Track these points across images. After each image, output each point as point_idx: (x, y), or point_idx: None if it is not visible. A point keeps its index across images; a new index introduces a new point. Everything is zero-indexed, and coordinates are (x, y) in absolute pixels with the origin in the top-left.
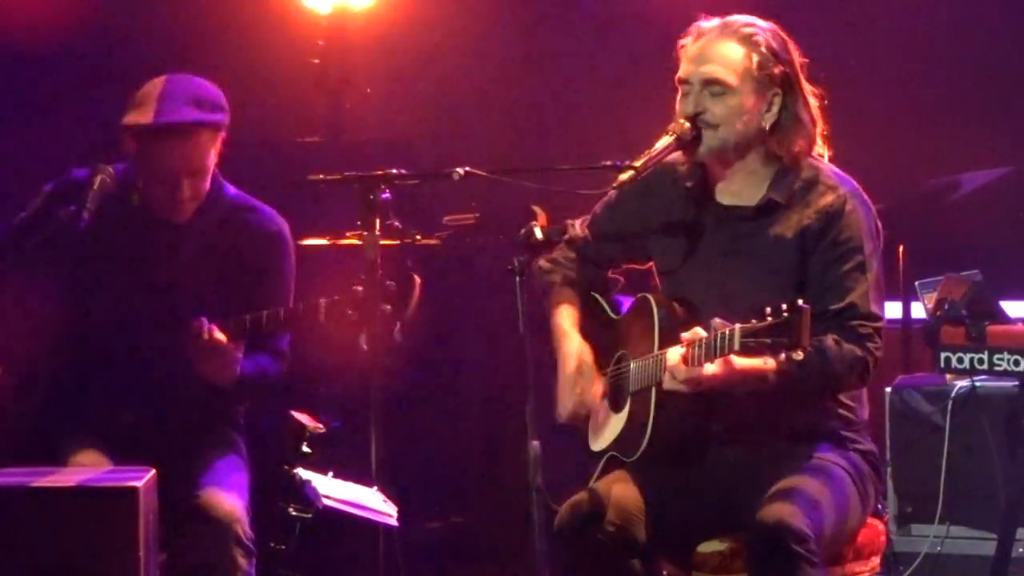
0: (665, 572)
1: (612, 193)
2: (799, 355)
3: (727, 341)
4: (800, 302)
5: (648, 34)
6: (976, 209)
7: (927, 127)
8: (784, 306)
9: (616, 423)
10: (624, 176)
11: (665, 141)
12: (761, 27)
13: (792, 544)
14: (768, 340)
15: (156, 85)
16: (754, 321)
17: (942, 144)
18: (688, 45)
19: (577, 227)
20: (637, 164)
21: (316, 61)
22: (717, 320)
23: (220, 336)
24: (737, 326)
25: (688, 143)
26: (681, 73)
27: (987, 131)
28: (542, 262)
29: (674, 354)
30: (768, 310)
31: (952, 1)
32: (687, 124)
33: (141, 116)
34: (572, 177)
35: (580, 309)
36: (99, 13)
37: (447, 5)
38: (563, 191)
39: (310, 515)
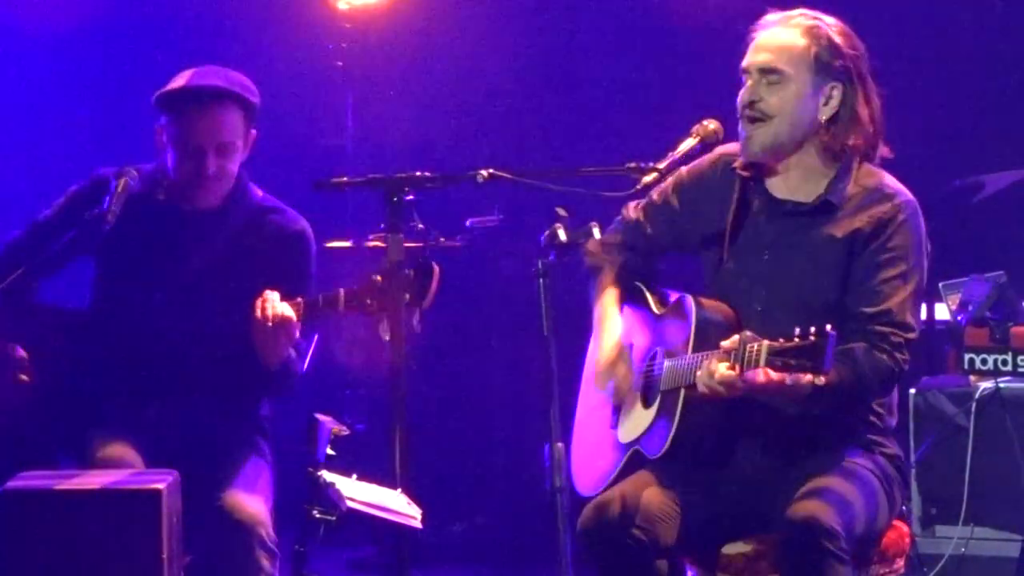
0: (690, 573)
1: (668, 181)
2: (820, 380)
3: (754, 356)
4: (828, 328)
5: (673, 35)
6: (1001, 210)
7: (951, 128)
8: (812, 330)
9: (644, 418)
10: (648, 178)
11: (689, 143)
12: (825, 21)
13: (823, 541)
14: (793, 361)
15: (188, 70)
16: (782, 340)
17: (966, 145)
18: (754, 35)
19: (631, 210)
20: (661, 166)
21: (340, 64)
22: (747, 333)
23: (288, 311)
24: (765, 343)
25: (712, 145)
26: (743, 62)
27: (1011, 131)
28: (591, 244)
29: (715, 360)
30: (797, 331)
31: (977, 0)
32: (711, 126)
33: (173, 86)
34: (596, 179)
35: (625, 296)
36: (126, 15)
37: (471, 7)
38: (587, 193)
39: (334, 517)
